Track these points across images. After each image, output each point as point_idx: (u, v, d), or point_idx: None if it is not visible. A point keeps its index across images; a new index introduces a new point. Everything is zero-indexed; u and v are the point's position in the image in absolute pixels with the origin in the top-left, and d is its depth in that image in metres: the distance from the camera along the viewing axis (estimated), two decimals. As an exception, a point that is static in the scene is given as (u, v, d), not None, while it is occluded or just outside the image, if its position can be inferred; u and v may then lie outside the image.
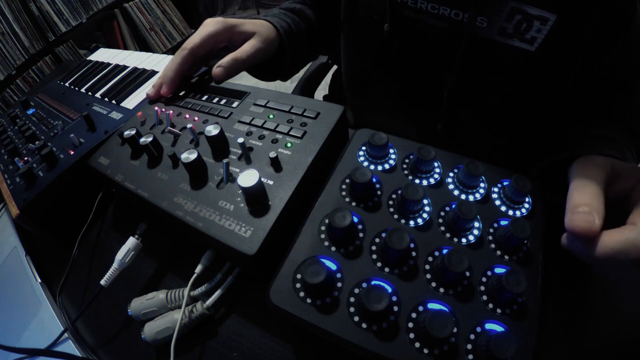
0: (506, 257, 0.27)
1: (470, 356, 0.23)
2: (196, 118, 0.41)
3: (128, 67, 0.64)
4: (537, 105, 0.45)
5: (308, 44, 0.57)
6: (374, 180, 0.31)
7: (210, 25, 0.45)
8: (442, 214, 0.29)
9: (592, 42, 0.37)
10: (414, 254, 0.27)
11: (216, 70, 0.44)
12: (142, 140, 0.37)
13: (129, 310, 0.34)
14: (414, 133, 0.53)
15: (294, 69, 0.59)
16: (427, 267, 0.27)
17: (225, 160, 0.34)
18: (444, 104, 0.47)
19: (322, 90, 0.85)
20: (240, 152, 0.35)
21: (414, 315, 0.25)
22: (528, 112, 0.46)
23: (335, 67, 0.82)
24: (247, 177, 0.29)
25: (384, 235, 0.28)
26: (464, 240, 0.28)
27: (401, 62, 0.48)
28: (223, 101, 0.42)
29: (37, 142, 0.48)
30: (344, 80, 0.61)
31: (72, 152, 0.45)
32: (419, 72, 0.48)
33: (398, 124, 0.55)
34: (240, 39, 0.47)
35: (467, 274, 0.26)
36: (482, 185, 0.31)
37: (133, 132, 0.38)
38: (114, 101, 0.54)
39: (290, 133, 0.35)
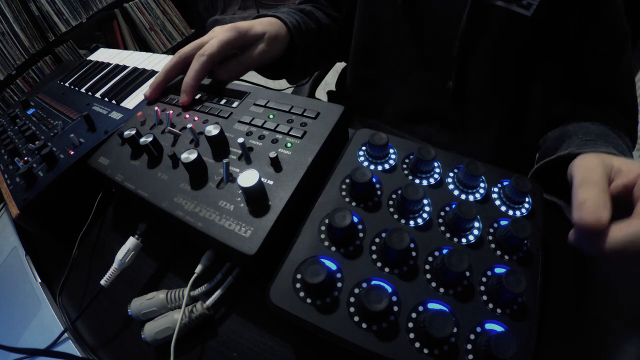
0: (506, 257, 0.27)
1: (470, 356, 0.23)
2: (196, 118, 0.41)
3: (128, 67, 0.64)
4: (538, 71, 0.49)
5: (316, 46, 0.57)
6: (374, 180, 0.31)
7: (223, 32, 0.44)
8: (442, 214, 0.29)
9: (582, 12, 0.42)
10: (414, 254, 0.27)
11: (219, 73, 0.44)
12: (142, 140, 0.37)
13: (129, 310, 0.34)
14: (423, 97, 0.56)
15: (302, 71, 0.59)
16: (427, 267, 0.27)
17: (225, 160, 0.34)
18: (454, 66, 0.51)
19: (321, 90, 0.85)
20: (240, 152, 0.35)
21: (414, 315, 0.25)
22: (530, 77, 0.50)
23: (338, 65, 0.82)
24: (247, 177, 0.29)
25: (384, 235, 0.28)
26: (464, 240, 0.28)
27: (413, 31, 0.53)
28: (223, 101, 0.42)
29: (37, 142, 0.48)
30: (351, 57, 0.62)
31: (72, 152, 0.45)
32: (429, 38, 0.52)
33: (406, 90, 0.58)
34: (251, 43, 0.47)
35: (467, 274, 0.26)
36: (482, 185, 0.31)
37: (133, 132, 0.38)
38: (114, 101, 0.54)
39: (290, 133, 0.35)
